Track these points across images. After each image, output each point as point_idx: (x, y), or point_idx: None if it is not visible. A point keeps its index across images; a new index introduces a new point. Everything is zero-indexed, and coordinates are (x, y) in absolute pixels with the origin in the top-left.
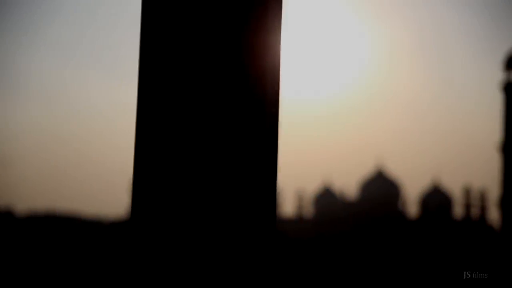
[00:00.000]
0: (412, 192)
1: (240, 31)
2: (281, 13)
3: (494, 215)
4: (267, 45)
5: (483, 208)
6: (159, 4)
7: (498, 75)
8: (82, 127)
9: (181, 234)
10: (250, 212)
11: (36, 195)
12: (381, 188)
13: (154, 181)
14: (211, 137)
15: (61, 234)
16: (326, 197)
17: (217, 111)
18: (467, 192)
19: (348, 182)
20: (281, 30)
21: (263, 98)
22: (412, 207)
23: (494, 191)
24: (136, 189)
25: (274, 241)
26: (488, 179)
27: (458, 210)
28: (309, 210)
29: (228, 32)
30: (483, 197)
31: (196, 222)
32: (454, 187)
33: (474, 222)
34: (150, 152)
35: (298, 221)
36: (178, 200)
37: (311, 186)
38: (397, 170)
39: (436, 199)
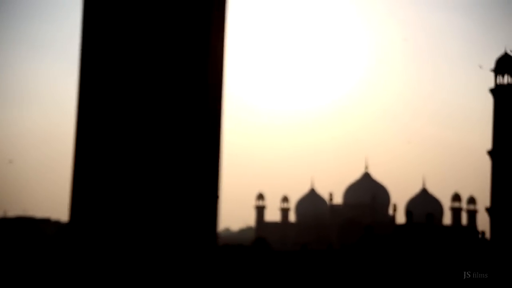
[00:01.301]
0: (401, 198)
1: (184, 32)
2: (224, 15)
3: (483, 221)
4: (210, 45)
5: (472, 214)
6: (100, 7)
7: (491, 81)
8: (68, 128)
9: (120, 238)
10: (189, 215)
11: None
12: (369, 193)
13: (93, 183)
14: (151, 139)
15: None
16: (312, 201)
17: (157, 113)
18: (457, 198)
19: (336, 187)
20: (224, 32)
21: (205, 100)
22: (400, 213)
23: (484, 197)
24: (76, 192)
25: (213, 242)
26: (478, 185)
27: (447, 216)
28: (294, 214)
29: (170, 32)
30: (472, 203)
31: (135, 223)
32: (443, 192)
33: (463, 228)
34: (90, 153)
35: (283, 225)
36: (118, 204)
37: (297, 190)
38: (386, 176)
39: (425, 204)
